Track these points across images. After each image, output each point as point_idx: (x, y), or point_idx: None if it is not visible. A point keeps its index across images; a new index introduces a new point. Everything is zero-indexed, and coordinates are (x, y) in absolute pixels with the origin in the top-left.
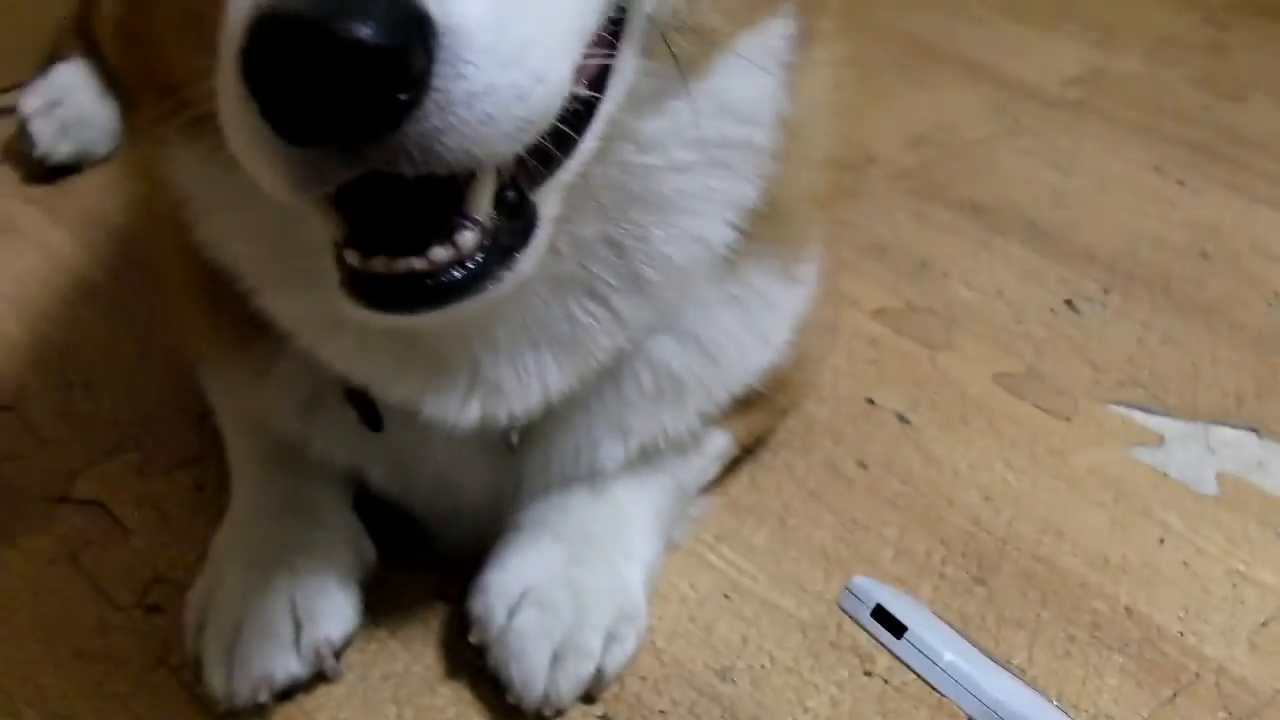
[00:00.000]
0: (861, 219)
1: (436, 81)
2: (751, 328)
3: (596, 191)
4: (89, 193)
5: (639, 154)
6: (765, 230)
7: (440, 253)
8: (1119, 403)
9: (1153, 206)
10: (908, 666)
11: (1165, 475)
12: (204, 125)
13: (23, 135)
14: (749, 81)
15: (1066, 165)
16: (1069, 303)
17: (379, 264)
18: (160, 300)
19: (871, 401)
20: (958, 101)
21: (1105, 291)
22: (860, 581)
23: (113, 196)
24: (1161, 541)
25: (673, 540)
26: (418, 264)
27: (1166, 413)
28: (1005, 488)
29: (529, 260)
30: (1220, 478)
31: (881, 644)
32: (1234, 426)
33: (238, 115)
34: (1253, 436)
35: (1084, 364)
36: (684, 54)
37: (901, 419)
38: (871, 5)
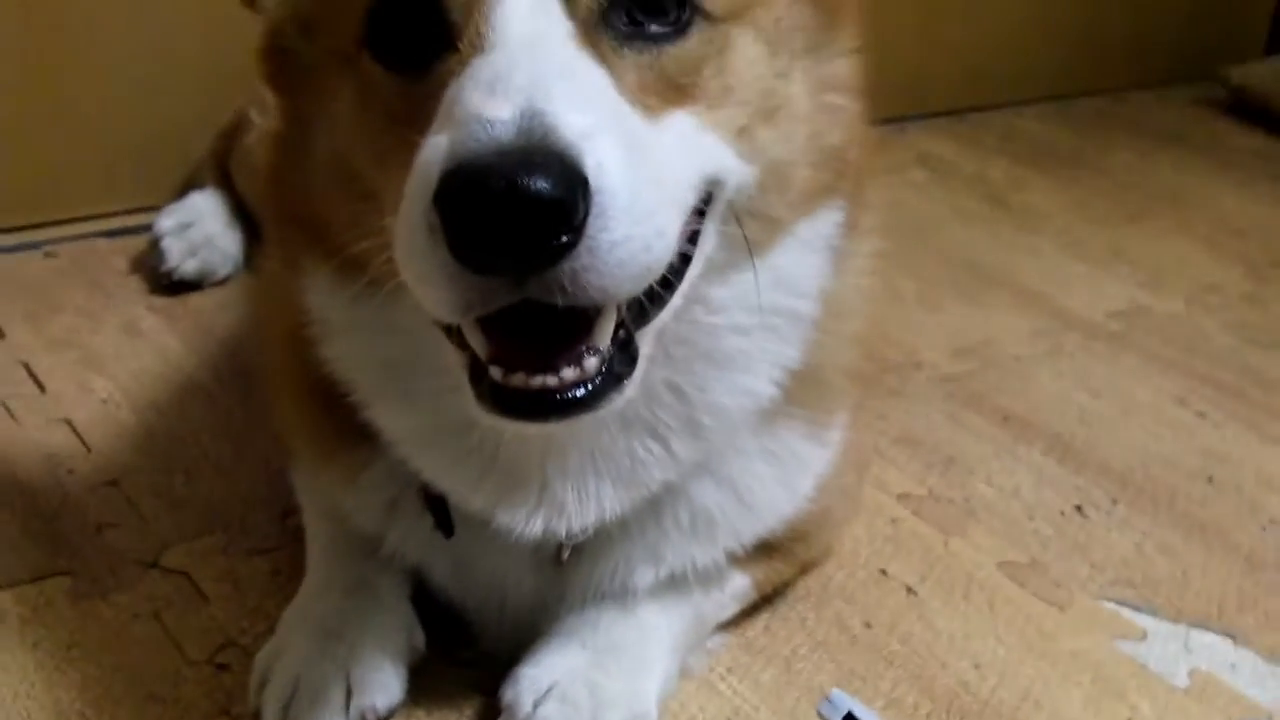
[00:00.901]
0: (900, 414)
1: (589, 229)
2: (781, 479)
3: (670, 345)
4: (206, 308)
5: (708, 315)
6: (802, 394)
7: (570, 373)
8: (1110, 599)
9: (1169, 432)
10: None
11: (1143, 666)
12: (346, 262)
13: (154, 250)
14: (802, 260)
15: (1097, 389)
16: (1078, 508)
17: (518, 379)
18: (269, 407)
19: (884, 572)
20: (1006, 322)
21: (1114, 502)
22: (838, 693)
23: (227, 314)
24: None
25: (688, 666)
26: (551, 381)
27: (1153, 612)
28: (994, 659)
29: (632, 387)
30: (1193, 673)
31: None
32: (1213, 631)
33: (421, 246)
34: (1229, 642)
35: (1084, 562)
36: (752, 234)
37: (910, 590)
38: (939, 230)
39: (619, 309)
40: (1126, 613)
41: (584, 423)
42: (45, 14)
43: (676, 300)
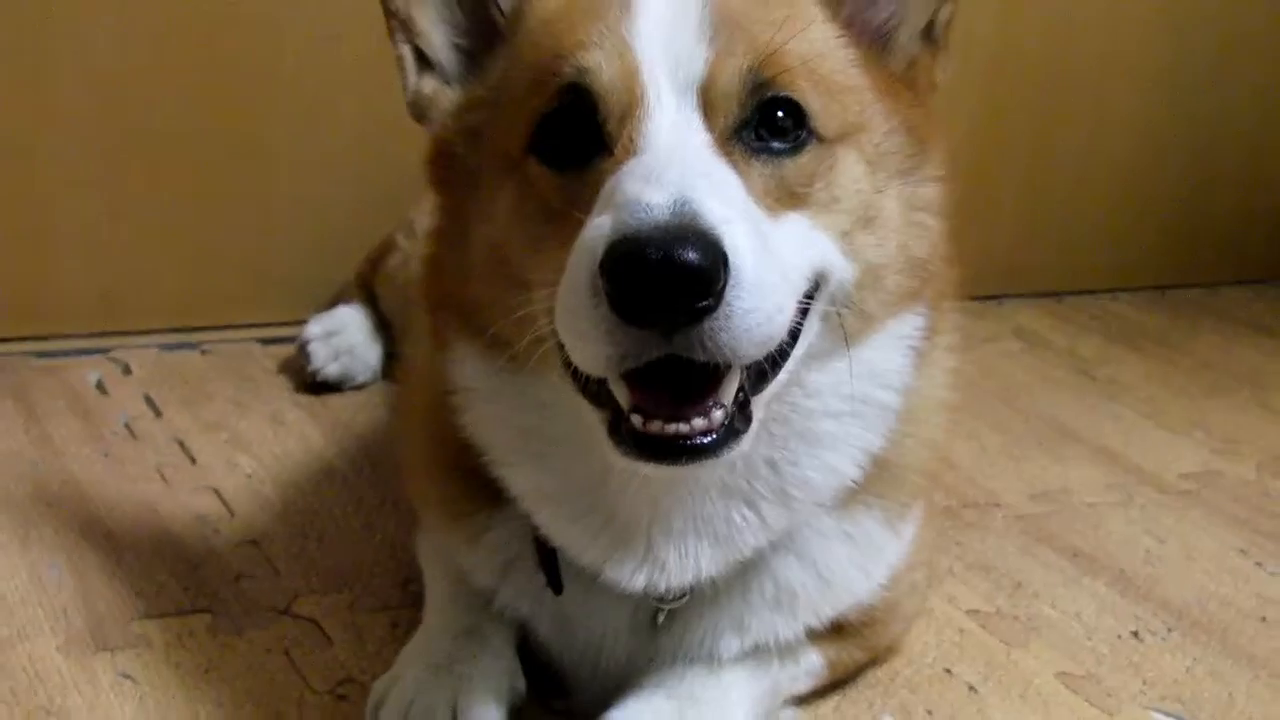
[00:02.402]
0: (975, 544)
1: (727, 296)
2: (857, 562)
3: (770, 424)
4: (345, 408)
5: (805, 398)
6: (880, 484)
7: (699, 422)
8: (1158, 710)
9: (1229, 577)
10: None
11: None
12: (493, 339)
13: (302, 353)
14: (891, 355)
15: (1163, 536)
16: (1135, 633)
17: (655, 426)
18: (401, 479)
19: (949, 671)
20: (1083, 474)
21: (1169, 630)
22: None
23: (363, 414)
24: None
25: None
26: (683, 428)
27: None
28: None
29: (748, 441)
30: None
31: None
32: None
33: (585, 306)
34: None
35: (1136, 678)
36: (848, 325)
37: (971, 688)
38: (1028, 393)
39: (741, 373)
40: None
41: (703, 471)
42: (219, 140)
43: (784, 375)
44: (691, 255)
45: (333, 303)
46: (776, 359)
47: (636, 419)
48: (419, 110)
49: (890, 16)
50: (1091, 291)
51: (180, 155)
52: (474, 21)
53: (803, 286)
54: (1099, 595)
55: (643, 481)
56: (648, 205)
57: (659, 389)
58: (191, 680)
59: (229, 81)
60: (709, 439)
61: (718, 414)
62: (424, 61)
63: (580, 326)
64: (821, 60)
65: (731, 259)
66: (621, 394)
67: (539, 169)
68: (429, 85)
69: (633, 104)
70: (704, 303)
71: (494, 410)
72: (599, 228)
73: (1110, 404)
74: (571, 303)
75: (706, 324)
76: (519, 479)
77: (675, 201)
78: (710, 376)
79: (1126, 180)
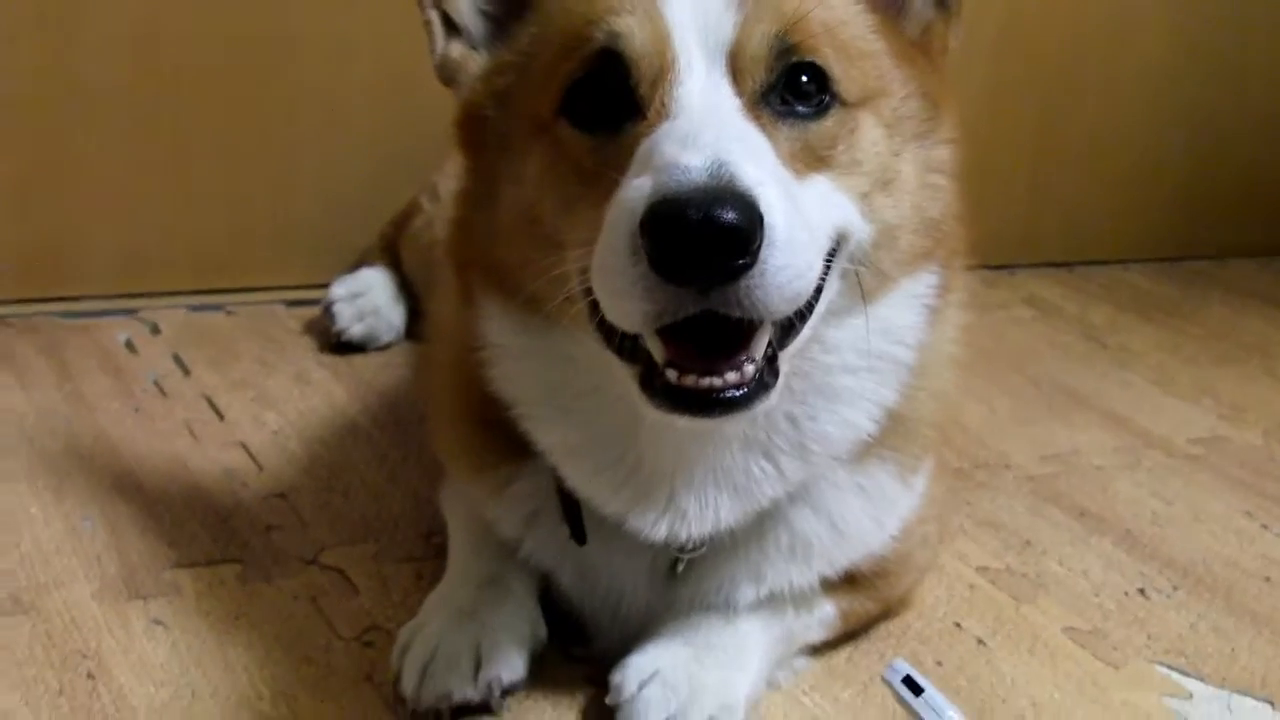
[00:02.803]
0: (985, 503)
1: (762, 254)
2: (870, 513)
3: (790, 378)
4: (368, 368)
5: (824, 354)
6: (893, 437)
7: (732, 376)
8: (1162, 663)
9: (1234, 538)
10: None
11: (1186, 719)
12: (522, 297)
13: (326, 313)
14: (905, 312)
15: (1170, 498)
16: (1141, 590)
17: (690, 380)
18: (427, 432)
19: (959, 625)
20: (1092, 438)
21: (1174, 588)
22: (899, 661)
23: (387, 373)
24: None
25: (775, 679)
26: (716, 382)
27: (1201, 678)
28: (1050, 701)
29: (775, 396)
30: None
31: (905, 701)
32: (1255, 698)
33: (624, 264)
34: (1268, 707)
35: (1141, 633)
36: (866, 284)
37: (980, 642)
38: (1038, 359)
39: (771, 329)
40: (1176, 676)
41: (733, 423)
42: (246, 106)
43: (807, 331)
44: (730, 215)
45: (357, 265)
46: (801, 315)
47: (671, 373)
48: (447, 74)
49: None
50: (1102, 262)
51: (207, 121)
52: None
53: (827, 246)
54: (1106, 554)
55: (667, 434)
56: (686, 167)
57: (692, 344)
58: (222, 626)
59: (255, 47)
60: (740, 392)
61: (749, 368)
62: (451, 27)
63: (619, 284)
64: (843, 26)
65: (766, 218)
66: (656, 349)
67: (571, 131)
68: (456, 50)
69: (664, 68)
70: (741, 260)
71: (521, 366)
72: (638, 189)
73: (1120, 371)
74: (610, 261)
75: (743, 281)
76: (545, 432)
77: (712, 164)
78: (742, 332)
79: (1137, 152)
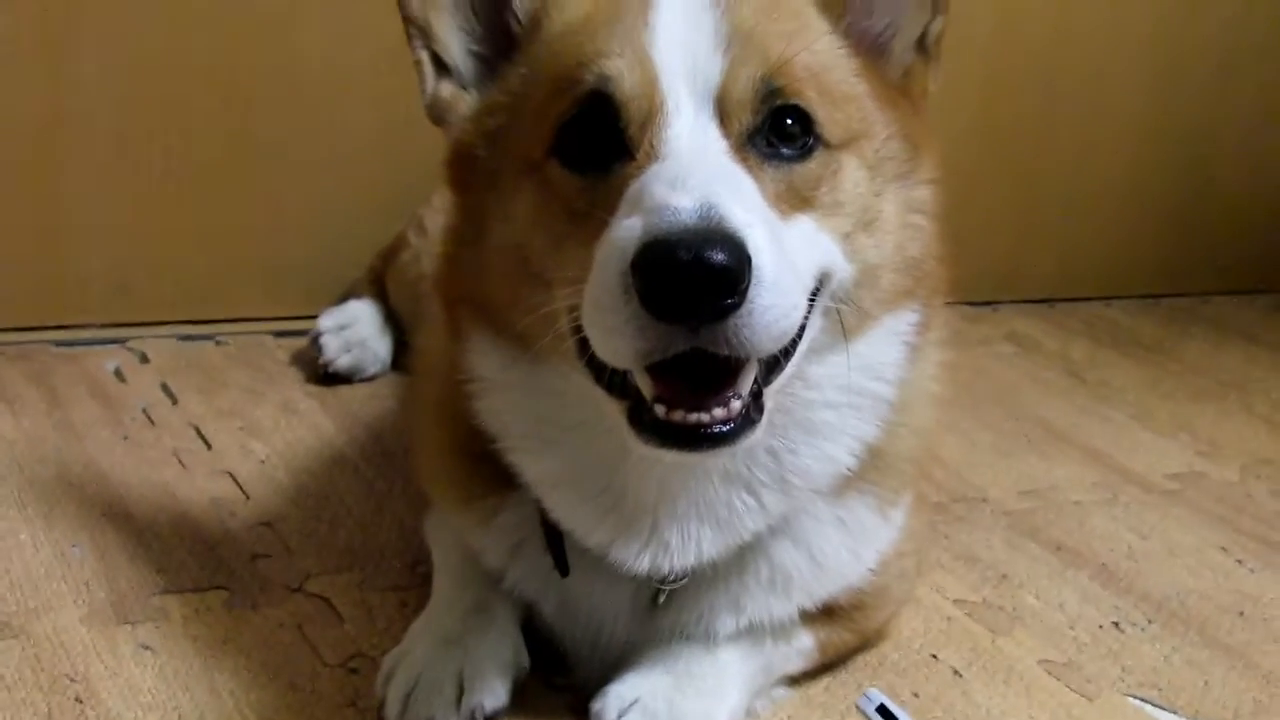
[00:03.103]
0: (963, 537)
1: (750, 294)
2: (848, 546)
3: (773, 413)
4: (355, 398)
5: (805, 389)
6: (872, 473)
7: (719, 412)
8: (1136, 696)
9: (1209, 573)
10: None
11: None
12: (509, 333)
13: (314, 345)
14: (886, 349)
15: (1146, 533)
16: (1116, 624)
17: (678, 415)
18: (412, 464)
19: (935, 657)
20: (1070, 473)
21: (1149, 621)
22: (874, 690)
23: (373, 404)
24: None
25: (754, 709)
26: (704, 418)
27: (1174, 710)
28: None
29: (761, 430)
30: None
31: None
32: None
33: (615, 303)
34: None
35: (1116, 665)
36: (847, 322)
37: (956, 673)
38: (1018, 394)
39: (757, 366)
40: (1149, 709)
41: (719, 457)
42: (236, 139)
43: (791, 367)
44: (720, 256)
45: (344, 297)
46: (785, 352)
47: (660, 409)
48: (437, 114)
49: (887, 28)
50: (1085, 298)
51: (197, 155)
52: (490, 30)
53: (811, 285)
54: (1082, 587)
55: (651, 467)
56: (676, 209)
57: (680, 380)
58: (209, 651)
59: (245, 79)
60: (728, 427)
61: (736, 404)
62: (441, 67)
63: (610, 322)
64: (827, 70)
65: (754, 259)
66: (645, 385)
67: (561, 171)
68: (447, 90)
69: (653, 111)
70: (730, 300)
71: (508, 399)
72: (629, 229)
73: (1099, 406)
74: (602, 299)
75: (731, 320)
76: (531, 464)
77: (702, 205)
78: (729, 369)
79: (1121, 190)
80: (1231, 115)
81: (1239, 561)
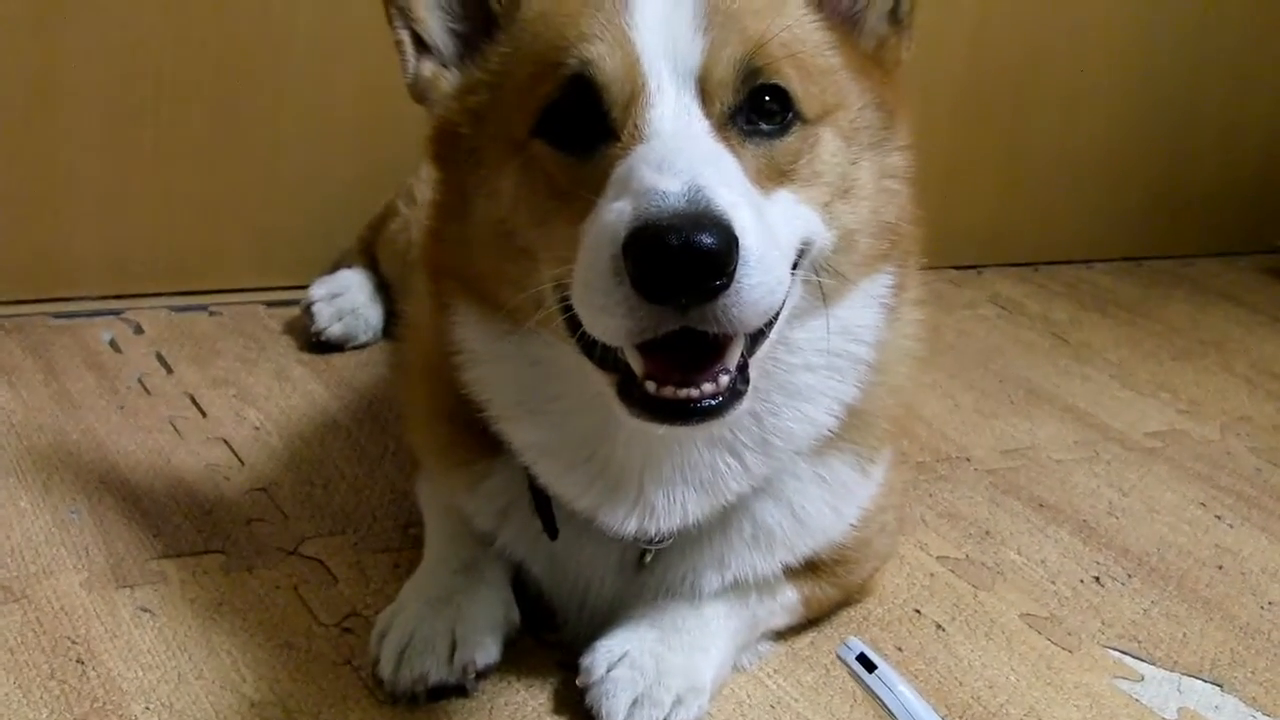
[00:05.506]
0: (946, 495)
1: (737, 274)
2: (830, 503)
3: (755, 378)
4: (347, 366)
5: (787, 354)
6: (852, 431)
7: (708, 387)
8: (1115, 648)
9: (1188, 528)
10: (875, 696)
11: (1137, 700)
12: (495, 306)
13: (306, 313)
14: (864, 312)
15: (1127, 489)
16: (1096, 578)
17: (668, 391)
18: (403, 430)
19: (918, 611)
20: (1051, 432)
21: (1129, 576)
22: (853, 639)
23: (365, 371)
24: None
25: (740, 663)
26: (693, 393)
27: (1152, 661)
28: (1006, 683)
29: (746, 403)
30: (1181, 710)
31: (859, 678)
32: (1203, 680)
33: (605, 284)
34: (1217, 689)
35: (1096, 619)
36: (826, 287)
37: (939, 627)
38: (1001, 356)
39: (743, 340)
40: (1128, 660)
41: (708, 430)
42: (228, 110)
43: (773, 335)
44: (708, 240)
45: (335, 266)
46: (769, 322)
47: (650, 385)
48: (419, 92)
49: (860, 0)
50: (1068, 261)
51: (190, 126)
52: (469, 9)
53: (793, 257)
54: (1063, 543)
55: (637, 435)
56: (664, 193)
57: (669, 357)
58: (206, 613)
59: (237, 51)
60: (716, 401)
61: (724, 378)
62: (422, 46)
63: (601, 302)
64: (804, 46)
65: (741, 240)
66: (635, 361)
67: (546, 151)
68: (428, 68)
69: (635, 93)
70: (718, 281)
71: (495, 370)
72: (619, 213)
73: (1080, 366)
74: (593, 280)
75: (720, 300)
76: (518, 433)
77: (689, 189)
78: (716, 345)
79: (1103, 154)
80: (1210, 79)
81: (1218, 517)
